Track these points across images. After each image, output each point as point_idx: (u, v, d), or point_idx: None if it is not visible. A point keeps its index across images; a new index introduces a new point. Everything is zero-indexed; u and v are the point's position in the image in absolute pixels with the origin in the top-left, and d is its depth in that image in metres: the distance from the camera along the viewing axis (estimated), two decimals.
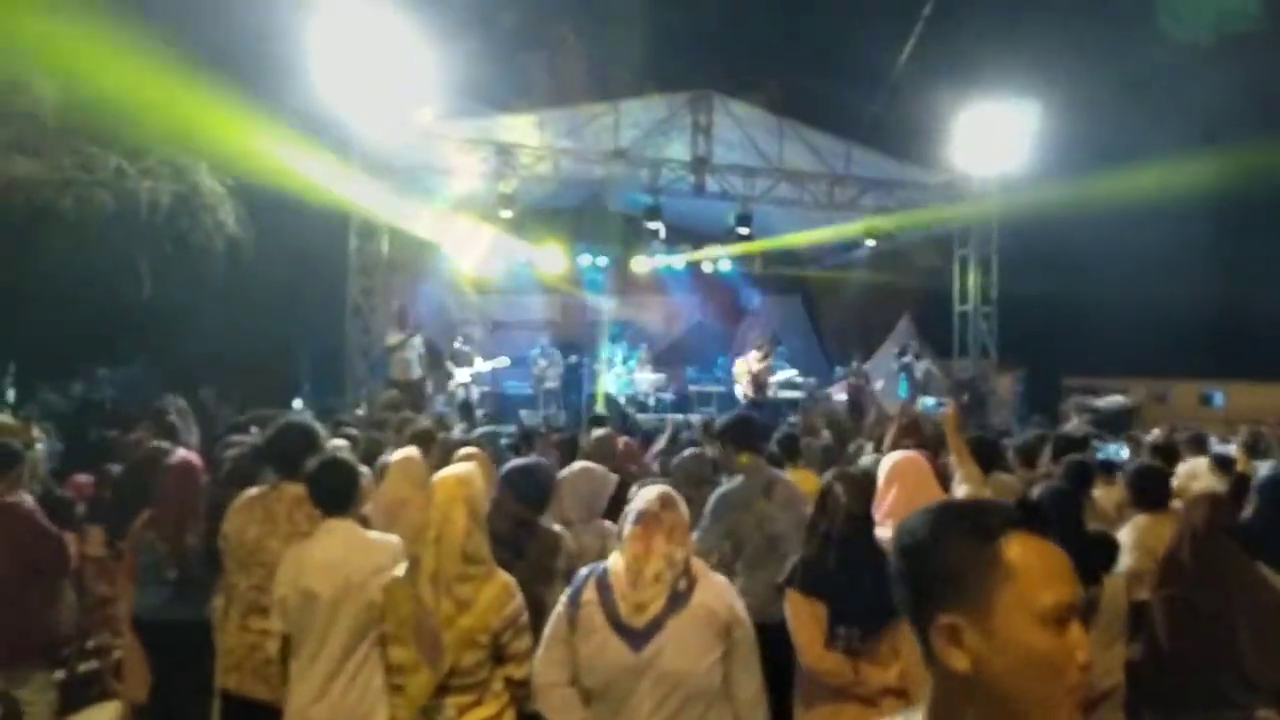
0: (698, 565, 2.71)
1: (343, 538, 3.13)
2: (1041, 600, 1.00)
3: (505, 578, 2.81)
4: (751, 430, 4.46)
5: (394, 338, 11.31)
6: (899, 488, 3.29)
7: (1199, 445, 6.98)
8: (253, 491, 3.55)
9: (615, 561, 2.68)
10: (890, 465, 3.39)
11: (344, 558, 3.06)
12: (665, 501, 2.70)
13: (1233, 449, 6.67)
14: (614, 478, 4.17)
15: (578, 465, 4.22)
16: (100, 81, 9.10)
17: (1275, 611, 3.01)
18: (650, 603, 2.55)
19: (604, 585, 2.63)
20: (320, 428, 3.97)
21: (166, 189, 10.13)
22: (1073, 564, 1.07)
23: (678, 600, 2.56)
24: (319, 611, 3.03)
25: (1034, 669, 0.99)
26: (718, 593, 2.66)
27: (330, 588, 3.02)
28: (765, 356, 13.18)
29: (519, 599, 2.80)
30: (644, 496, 2.74)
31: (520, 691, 2.80)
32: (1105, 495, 5.03)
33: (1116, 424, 10.82)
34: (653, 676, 2.51)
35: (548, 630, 2.71)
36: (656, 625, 2.53)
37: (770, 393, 13.23)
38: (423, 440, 5.00)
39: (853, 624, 2.90)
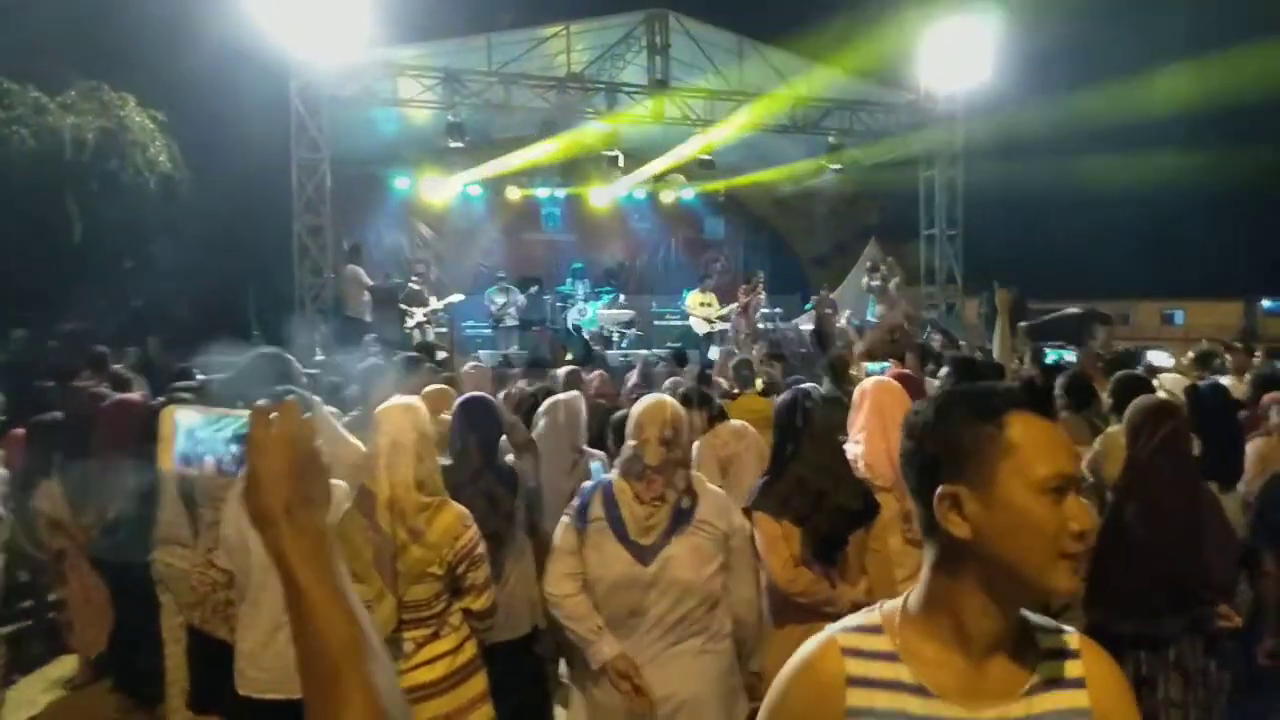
0: (699, 480, 2.80)
1: None
2: (1038, 471, 1.09)
3: (458, 509, 2.75)
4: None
5: (369, 278, 10.91)
6: (870, 409, 3.31)
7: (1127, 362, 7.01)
8: None
9: (619, 478, 2.73)
10: (862, 388, 3.45)
11: None
12: (669, 419, 2.71)
13: (1168, 361, 6.74)
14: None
15: (555, 398, 4.23)
16: (11, 9, 8.43)
17: (1221, 517, 3.17)
18: (657, 523, 2.65)
19: (610, 502, 2.70)
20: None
21: (91, 125, 9.49)
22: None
23: (681, 517, 2.68)
24: (257, 553, 2.88)
25: (1029, 534, 1.08)
26: (718, 507, 2.77)
27: None
28: (753, 289, 13.04)
29: (474, 530, 2.77)
30: (647, 414, 2.73)
31: (480, 624, 2.81)
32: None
33: (1064, 333, 10.58)
34: (660, 586, 2.64)
35: (556, 542, 2.79)
36: (663, 542, 2.65)
37: (759, 325, 13.02)
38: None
39: (823, 542, 2.92)
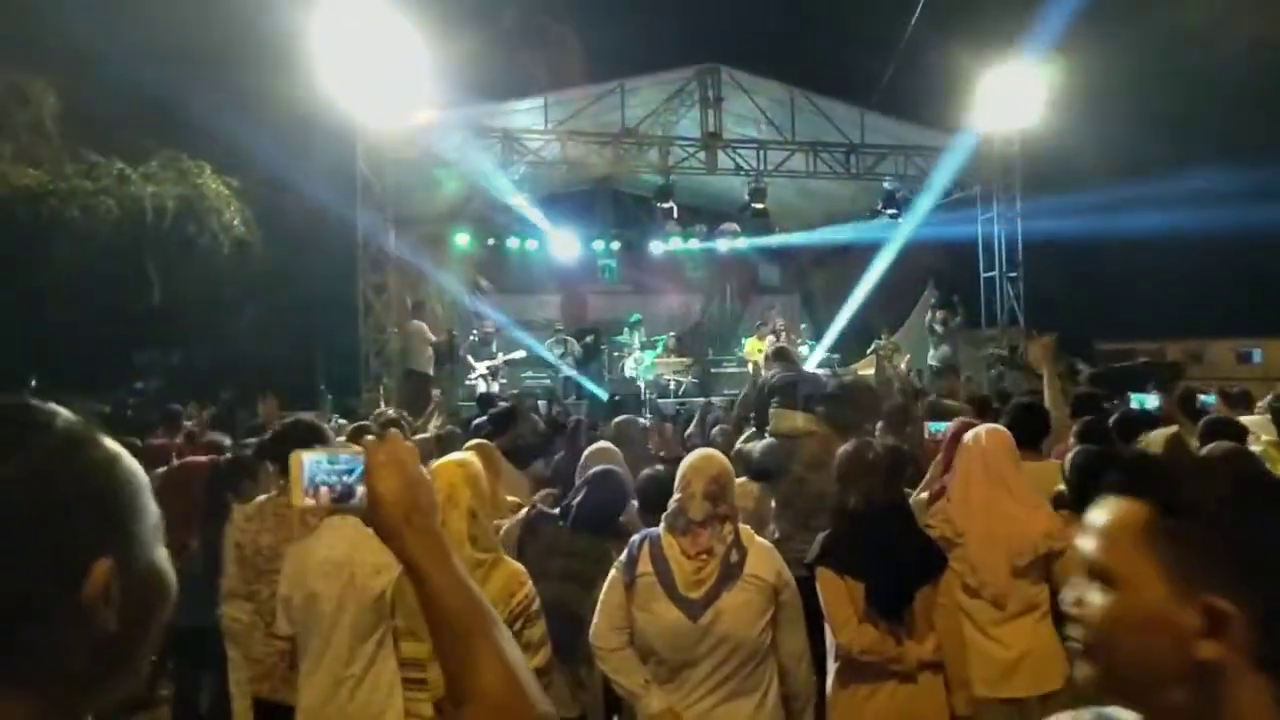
0: (746, 533, 2.77)
1: (346, 535, 3.01)
2: None
3: (514, 565, 2.73)
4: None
5: (437, 335, 11.15)
6: (974, 460, 3.20)
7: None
8: (260, 498, 3.52)
9: (665, 533, 2.72)
10: (969, 440, 3.29)
11: (347, 555, 2.96)
12: (714, 474, 2.71)
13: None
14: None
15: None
16: (99, 86, 9.00)
17: None
18: (706, 578, 2.64)
19: (659, 556, 2.69)
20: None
21: (170, 193, 10.02)
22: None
23: (730, 571, 2.66)
24: (323, 612, 2.95)
25: None
26: (766, 561, 2.75)
27: (334, 587, 2.94)
28: (780, 338, 12.96)
29: (529, 587, 2.71)
30: (692, 467, 2.74)
31: (538, 680, 2.69)
32: (1151, 444, 4.92)
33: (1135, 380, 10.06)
34: (709, 641, 2.63)
35: (604, 596, 2.79)
36: (712, 596, 2.63)
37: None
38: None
39: (888, 598, 2.87)
